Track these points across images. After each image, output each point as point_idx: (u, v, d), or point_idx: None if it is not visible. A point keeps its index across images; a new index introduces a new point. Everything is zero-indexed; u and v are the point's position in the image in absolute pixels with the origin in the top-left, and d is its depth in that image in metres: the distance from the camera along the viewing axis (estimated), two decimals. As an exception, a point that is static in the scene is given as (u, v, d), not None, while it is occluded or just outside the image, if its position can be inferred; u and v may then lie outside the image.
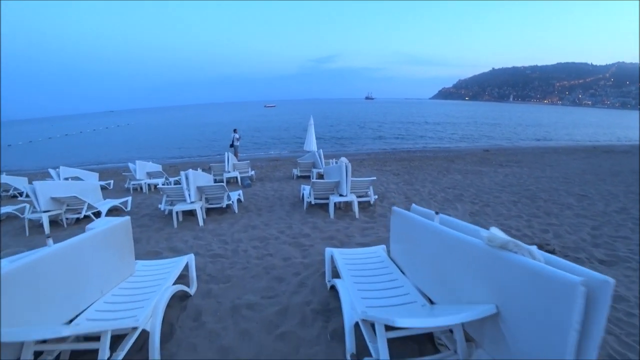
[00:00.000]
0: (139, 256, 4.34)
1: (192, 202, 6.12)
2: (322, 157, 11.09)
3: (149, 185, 10.67)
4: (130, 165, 11.08)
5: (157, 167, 11.56)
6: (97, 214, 7.01)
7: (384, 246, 4.25)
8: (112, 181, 12.15)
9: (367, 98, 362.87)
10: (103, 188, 11.48)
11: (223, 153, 15.92)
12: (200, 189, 6.50)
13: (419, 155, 20.18)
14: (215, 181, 10.95)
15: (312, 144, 12.66)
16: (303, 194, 7.70)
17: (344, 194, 6.50)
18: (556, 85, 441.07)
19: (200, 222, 6.12)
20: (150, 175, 11.08)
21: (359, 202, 6.90)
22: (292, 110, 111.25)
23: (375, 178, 7.99)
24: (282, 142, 31.06)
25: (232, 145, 18.66)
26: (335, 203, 6.56)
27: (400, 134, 35.98)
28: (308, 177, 11.55)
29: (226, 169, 10.76)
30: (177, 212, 6.16)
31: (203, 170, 10.17)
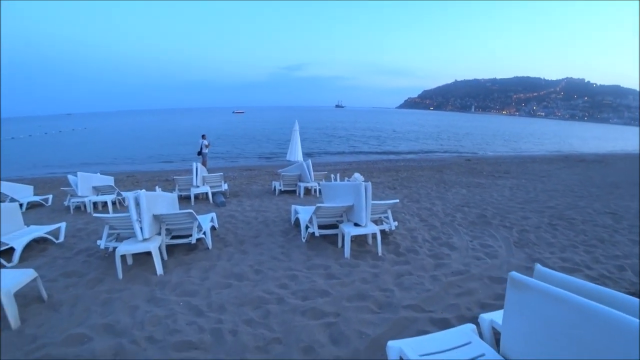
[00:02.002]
0: (47, 347, 2.43)
1: (145, 240, 4.14)
2: (311, 169, 9.32)
3: (94, 203, 8.41)
4: (71, 178, 8.71)
5: (107, 180, 9.24)
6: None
7: (472, 326, 2.58)
8: (51, 196, 9.60)
9: (337, 106, 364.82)
10: (37, 205, 9.06)
11: (190, 161, 13.72)
12: (158, 219, 4.50)
13: (403, 165, 19.00)
14: (180, 198, 8.87)
15: (297, 153, 10.82)
16: (297, 218, 5.89)
17: (362, 224, 4.76)
18: (513, 97, 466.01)
19: (159, 270, 4.11)
20: (97, 190, 8.79)
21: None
22: (262, 116, 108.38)
23: (398, 201, 6.34)
24: (255, 150, 28.95)
25: (200, 153, 16.49)
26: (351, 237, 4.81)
27: (376, 143, 35.00)
28: (293, 192, 9.73)
29: (194, 183, 8.69)
30: (122, 257, 4.16)
31: (163, 187, 8.12)
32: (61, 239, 5.66)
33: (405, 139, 40.15)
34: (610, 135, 72.71)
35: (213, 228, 5.98)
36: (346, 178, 5.65)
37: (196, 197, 8.93)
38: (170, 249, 4.85)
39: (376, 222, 5.42)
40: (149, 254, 4.15)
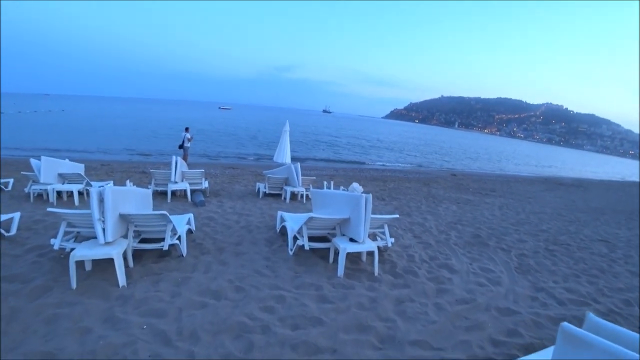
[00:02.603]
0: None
1: (107, 244, 3.51)
2: (300, 172, 8.77)
3: (59, 193, 7.59)
4: (33, 162, 7.82)
5: (76, 168, 8.38)
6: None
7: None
8: (11, 180, 8.63)
9: (324, 111, 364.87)
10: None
11: (169, 154, 12.90)
12: (126, 219, 3.86)
13: (390, 176, 18.71)
14: (156, 193, 8.16)
15: (285, 155, 10.23)
16: (284, 226, 5.34)
17: (360, 240, 4.25)
18: (496, 117, 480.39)
19: (121, 280, 3.46)
20: (63, 178, 7.95)
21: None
22: (250, 115, 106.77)
23: (397, 216, 5.88)
24: (239, 149, 28.13)
25: (181, 147, 15.69)
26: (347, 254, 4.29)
27: (360, 151, 34.75)
28: (278, 195, 9.15)
29: (172, 179, 7.97)
30: (79, 262, 3.49)
31: (139, 179, 7.46)
32: (12, 231, 4.90)
33: (391, 149, 40.14)
34: (585, 161, 75.56)
35: (189, 231, 5.35)
36: (341, 187, 5.11)
37: (173, 193, 8.23)
38: (137, 254, 4.18)
39: (370, 237, 4.94)
40: (111, 260, 3.50)
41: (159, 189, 8.36)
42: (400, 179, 17.04)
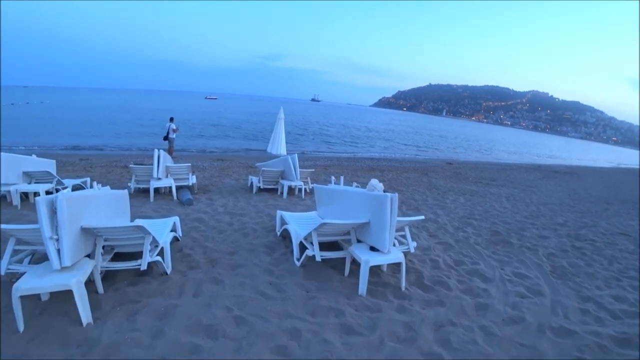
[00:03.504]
0: None
1: (64, 270, 2.66)
2: (297, 165, 7.95)
3: (25, 194, 6.65)
4: (-8, 159, 6.84)
5: (44, 165, 7.39)
6: None
7: None
8: None
9: (313, 100, 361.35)
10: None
11: (152, 147, 11.89)
12: (91, 233, 3.02)
13: (386, 165, 18.06)
14: (138, 191, 7.29)
15: (280, 145, 9.36)
16: (287, 229, 4.57)
17: (384, 250, 3.51)
18: (483, 105, 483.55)
19: (85, 317, 2.59)
20: (29, 177, 7.00)
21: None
22: (236, 104, 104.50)
23: (423, 217, 5.14)
24: (227, 138, 27.04)
25: (166, 138, 14.68)
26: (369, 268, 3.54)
27: (351, 140, 33.92)
28: (273, 190, 8.33)
29: (155, 175, 7.06)
30: (25, 296, 2.63)
31: (120, 175, 6.64)
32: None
33: (381, 138, 39.43)
34: (571, 148, 76.41)
35: (175, 239, 4.54)
36: (355, 183, 4.33)
37: (157, 191, 7.36)
38: (109, 275, 3.37)
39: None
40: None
41: (141, 186, 7.47)
42: (397, 169, 16.39)
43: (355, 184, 4.53)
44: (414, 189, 10.68)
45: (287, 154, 9.02)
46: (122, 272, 3.44)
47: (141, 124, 32.06)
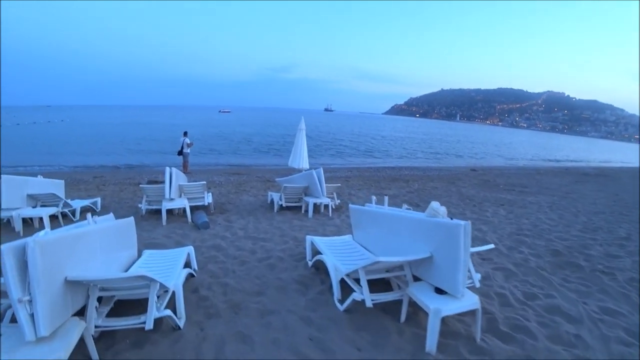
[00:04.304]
0: None
1: (40, 342, 1.94)
2: (323, 180, 7.22)
3: (26, 220, 6.11)
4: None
5: (50, 186, 6.84)
6: None
7: None
8: None
9: (326, 110, 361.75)
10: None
11: (164, 164, 11.41)
12: (82, 286, 2.30)
13: (409, 174, 17.13)
14: (149, 212, 6.69)
15: (302, 158, 8.63)
16: (321, 260, 3.81)
17: (458, 294, 2.70)
18: (497, 108, 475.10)
19: None
20: (35, 199, 6.49)
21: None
22: (250, 117, 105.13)
23: (493, 246, 4.31)
24: (242, 151, 26.64)
25: (180, 153, 14.23)
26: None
27: (366, 149, 33.03)
28: (298, 208, 7.59)
29: (167, 195, 6.44)
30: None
31: (132, 193, 6.13)
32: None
33: (398, 146, 38.45)
34: (594, 149, 73.42)
35: (191, 275, 3.84)
36: (405, 205, 3.54)
37: (170, 212, 6.73)
38: (107, 334, 2.67)
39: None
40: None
41: (153, 207, 6.86)
42: (422, 178, 15.47)
43: (405, 206, 3.73)
44: (447, 201, 9.81)
45: (310, 167, 8.31)
46: (121, 334, 2.72)
47: (154, 138, 32.08)
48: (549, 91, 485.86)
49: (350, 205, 4.66)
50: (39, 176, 7.15)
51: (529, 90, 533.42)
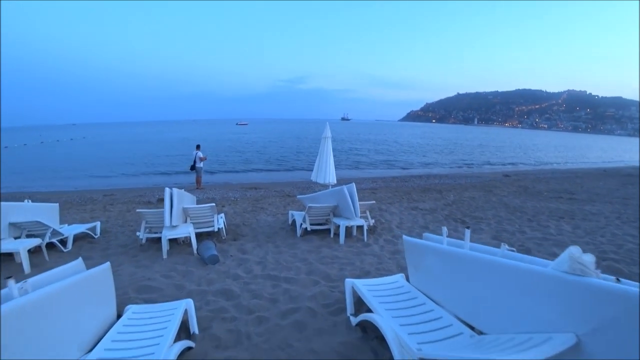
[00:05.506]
0: None
1: None
2: (356, 198, 6.00)
3: (6, 255, 5.15)
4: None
5: (40, 211, 5.90)
6: None
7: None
8: None
9: (343, 119, 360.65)
10: None
11: (180, 179, 10.47)
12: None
13: (441, 184, 15.64)
14: (149, 241, 5.66)
15: (329, 172, 7.33)
16: (372, 320, 2.62)
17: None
18: (516, 110, 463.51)
19: None
20: (19, 228, 5.56)
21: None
22: (267, 128, 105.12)
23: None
24: (259, 163, 25.76)
25: (193, 167, 13.35)
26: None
27: (389, 158, 31.55)
28: (325, 231, 6.37)
29: (167, 223, 5.36)
30: None
31: (135, 217, 5.19)
32: None
33: (420, 154, 36.76)
34: (622, 147, 69.39)
35: (188, 348, 2.71)
36: (504, 245, 2.44)
37: (174, 240, 5.67)
38: None
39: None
40: None
41: (154, 235, 5.82)
42: (455, 187, 14.03)
43: (504, 245, 2.49)
44: (494, 214, 8.44)
45: (339, 182, 7.13)
46: None
47: (168, 153, 31.66)
48: (569, 90, 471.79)
49: (404, 238, 3.45)
50: (26, 200, 6.25)
51: (548, 90, 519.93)
